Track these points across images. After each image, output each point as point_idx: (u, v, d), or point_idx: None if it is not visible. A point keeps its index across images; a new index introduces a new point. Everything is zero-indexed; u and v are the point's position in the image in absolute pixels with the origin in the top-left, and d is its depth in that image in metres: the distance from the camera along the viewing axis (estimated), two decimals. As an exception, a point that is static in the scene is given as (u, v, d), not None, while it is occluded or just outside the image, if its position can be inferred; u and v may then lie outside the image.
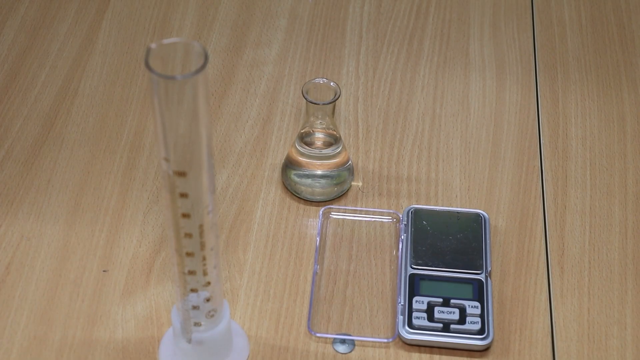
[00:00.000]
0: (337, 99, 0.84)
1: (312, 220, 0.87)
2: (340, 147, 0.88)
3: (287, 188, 0.90)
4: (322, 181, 0.88)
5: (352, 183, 0.90)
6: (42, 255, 0.84)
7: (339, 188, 0.89)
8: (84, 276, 0.83)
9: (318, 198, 0.88)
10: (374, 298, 0.81)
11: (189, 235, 0.66)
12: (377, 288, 0.82)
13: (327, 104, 0.84)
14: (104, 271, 0.83)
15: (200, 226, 0.65)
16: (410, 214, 0.86)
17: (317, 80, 0.85)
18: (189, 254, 0.67)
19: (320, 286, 0.82)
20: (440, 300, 0.80)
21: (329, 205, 0.88)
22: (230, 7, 1.09)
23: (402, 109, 0.98)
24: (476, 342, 0.77)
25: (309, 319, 0.79)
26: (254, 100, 0.98)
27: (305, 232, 0.86)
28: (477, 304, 0.79)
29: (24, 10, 1.07)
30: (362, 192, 0.90)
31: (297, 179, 0.88)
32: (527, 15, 1.09)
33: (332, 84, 0.85)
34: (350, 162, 0.90)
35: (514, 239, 0.86)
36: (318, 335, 0.79)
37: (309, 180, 0.88)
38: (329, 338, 0.79)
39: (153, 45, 0.59)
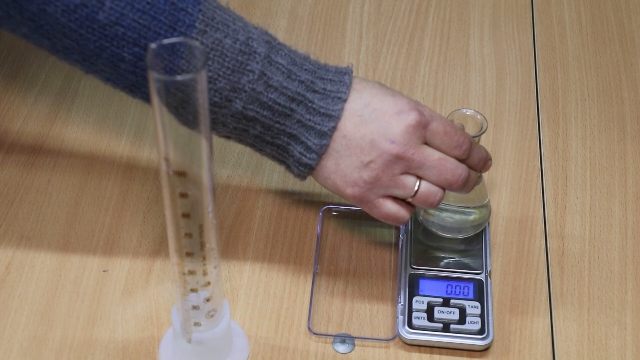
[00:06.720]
0: (337, 99, 0.84)
1: (312, 220, 0.87)
2: (340, 147, 0.88)
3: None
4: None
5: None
6: (42, 255, 0.84)
7: (339, 188, 0.89)
8: (84, 276, 0.83)
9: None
10: (374, 298, 0.81)
11: (189, 235, 0.66)
12: (377, 288, 0.82)
13: (327, 104, 0.84)
14: (104, 271, 0.83)
15: (200, 226, 0.65)
16: (410, 214, 0.86)
17: (317, 80, 0.85)
18: (189, 254, 0.67)
19: (320, 286, 0.82)
20: (440, 300, 0.80)
21: (329, 205, 0.88)
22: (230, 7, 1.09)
23: (402, 109, 0.98)
24: (476, 342, 0.77)
25: (309, 319, 0.79)
26: (254, 100, 0.98)
27: (305, 232, 0.86)
28: (477, 304, 0.79)
29: (24, 10, 1.07)
30: (362, 192, 0.90)
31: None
32: (527, 15, 1.08)
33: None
34: (350, 162, 0.90)
35: (514, 239, 0.86)
36: (318, 335, 0.79)
37: (309, 180, 0.88)
38: (329, 338, 0.79)
39: (153, 45, 0.59)
